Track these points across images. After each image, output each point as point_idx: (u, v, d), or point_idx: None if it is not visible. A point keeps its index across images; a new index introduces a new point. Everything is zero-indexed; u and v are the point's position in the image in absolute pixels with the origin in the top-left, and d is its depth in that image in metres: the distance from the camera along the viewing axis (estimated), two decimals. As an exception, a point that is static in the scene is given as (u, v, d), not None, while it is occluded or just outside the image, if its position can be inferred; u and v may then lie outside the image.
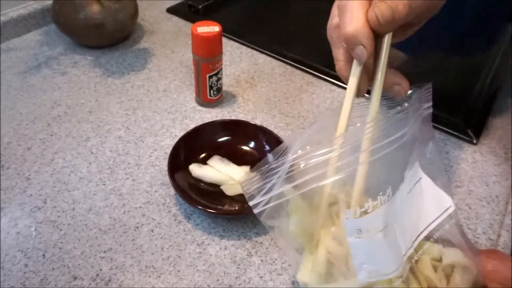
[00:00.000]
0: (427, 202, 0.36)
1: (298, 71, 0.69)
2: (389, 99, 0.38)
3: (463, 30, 0.54)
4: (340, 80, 0.66)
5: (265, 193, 0.34)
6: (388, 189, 0.33)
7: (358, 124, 0.36)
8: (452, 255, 0.35)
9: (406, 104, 0.36)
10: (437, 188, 0.37)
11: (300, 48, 0.73)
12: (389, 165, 0.35)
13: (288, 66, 0.69)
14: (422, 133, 0.37)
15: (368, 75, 0.36)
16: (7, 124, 0.56)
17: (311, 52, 0.73)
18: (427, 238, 0.35)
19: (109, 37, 0.70)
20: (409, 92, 0.38)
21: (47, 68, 0.66)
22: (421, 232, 0.34)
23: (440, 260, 0.35)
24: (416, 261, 0.34)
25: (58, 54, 0.69)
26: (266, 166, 0.35)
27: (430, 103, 0.38)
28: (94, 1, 0.66)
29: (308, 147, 0.34)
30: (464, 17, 0.53)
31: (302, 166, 0.34)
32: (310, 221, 0.37)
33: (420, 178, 0.36)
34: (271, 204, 0.33)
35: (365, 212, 0.32)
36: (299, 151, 0.34)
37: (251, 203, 0.33)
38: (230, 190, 0.47)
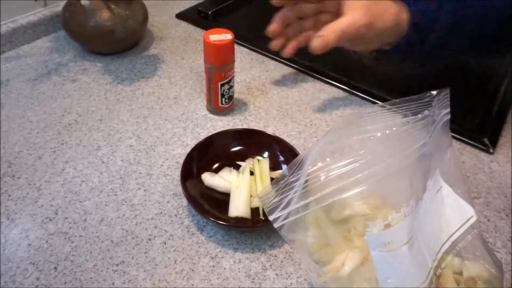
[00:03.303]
0: (448, 212, 0.35)
1: (310, 78, 0.68)
2: (410, 104, 0.37)
3: (484, 33, 0.54)
4: (353, 87, 0.66)
5: (283, 208, 0.33)
6: (411, 200, 0.32)
7: (379, 134, 0.36)
8: (472, 268, 0.34)
9: (426, 112, 0.36)
10: (457, 197, 0.36)
11: (311, 54, 0.72)
12: (412, 175, 0.34)
13: (299, 73, 0.69)
14: (441, 140, 0.36)
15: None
16: (18, 132, 0.56)
17: (322, 59, 0.71)
18: (450, 250, 0.34)
19: (119, 43, 0.70)
20: (429, 95, 0.37)
21: (57, 75, 0.66)
22: (444, 244, 0.33)
23: (461, 273, 0.34)
24: (439, 276, 0.33)
25: (67, 61, 0.69)
26: (283, 180, 0.34)
27: (448, 109, 0.37)
28: (104, 8, 0.65)
29: (328, 159, 0.34)
30: (485, 21, 0.52)
31: (322, 178, 0.33)
32: (329, 234, 0.36)
33: (441, 187, 0.35)
34: (290, 219, 0.33)
35: (389, 225, 0.31)
36: (319, 163, 0.34)
37: (270, 218, 0.33)
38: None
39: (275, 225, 0.33)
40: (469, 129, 0.58)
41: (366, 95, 0.64)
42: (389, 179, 0.33)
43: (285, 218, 0.32)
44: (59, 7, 0.73)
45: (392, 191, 0.34)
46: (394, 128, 0.34)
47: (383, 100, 0.63)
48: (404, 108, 0.37)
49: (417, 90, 0.37)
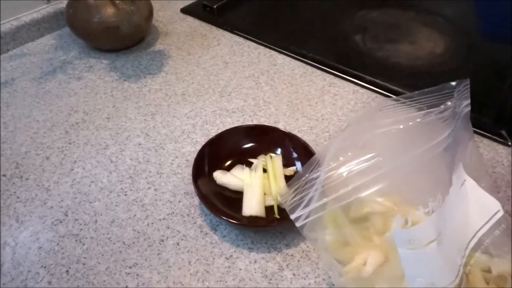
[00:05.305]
0: (474, 207, 0.34)
1: (319, 72, 0.66)
2: (429, 97, 0.36)
3: (498, 19, 0.52)
4: (363, 80, 0.64)
5: (305, 206, 0.32)
6: (438, 194, 0.31)
7: (401, 127, 0.34)
8: (500, 265, 0.33)
9: (449, 103, 0.34)
10: (482, 191, 0.35)
11: (320, 48, 0.70)
12: (437, 168, 0.33)
13: (308, 67, 0.67)
14: (463, 132, 0.35)
15: None
16: (24, 132, 0.55)
17: (331, 52, 0.70)
18: (477, 246, 0.32)
19: (124, 39, 0.69)
20: (449, 87, 0.36)
21: (62, 73, 0.65)
22: (471, 240, 0.32)
23: (489, 271, 0.33)
24: (467, 274, 0.32)
25: (72, 58, 0.68)
26: (303, 178, 0.33)
27: (469, 101, 0.36)
28: (109, 4, 0.64)
29: (349, 153, 0.32)
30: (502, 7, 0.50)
31: (344, 175, 0.32)
32: (347, 232, 0.35)
33: (465, 180, 0.34)
34: (312, 218, 0.32)
35: (417, 221, 0.30)
36: (340, 158, 0.33)
37: (292, 217, 0.32)
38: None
39: (297, 224, 0.32)
40: (485, 122, 0.56)
41: (377, 88, 0.62)
42: (413, 174, 0.32)
43: (307, 217, 0.31)
44: (62, 4, 0.72)
45: (416, 186, 0.33)
46: (418, 120, 0.32)
47: (394, 93, 0.61)
48: (423, 100, 0.36)
49: (429, 83, 0.36)
